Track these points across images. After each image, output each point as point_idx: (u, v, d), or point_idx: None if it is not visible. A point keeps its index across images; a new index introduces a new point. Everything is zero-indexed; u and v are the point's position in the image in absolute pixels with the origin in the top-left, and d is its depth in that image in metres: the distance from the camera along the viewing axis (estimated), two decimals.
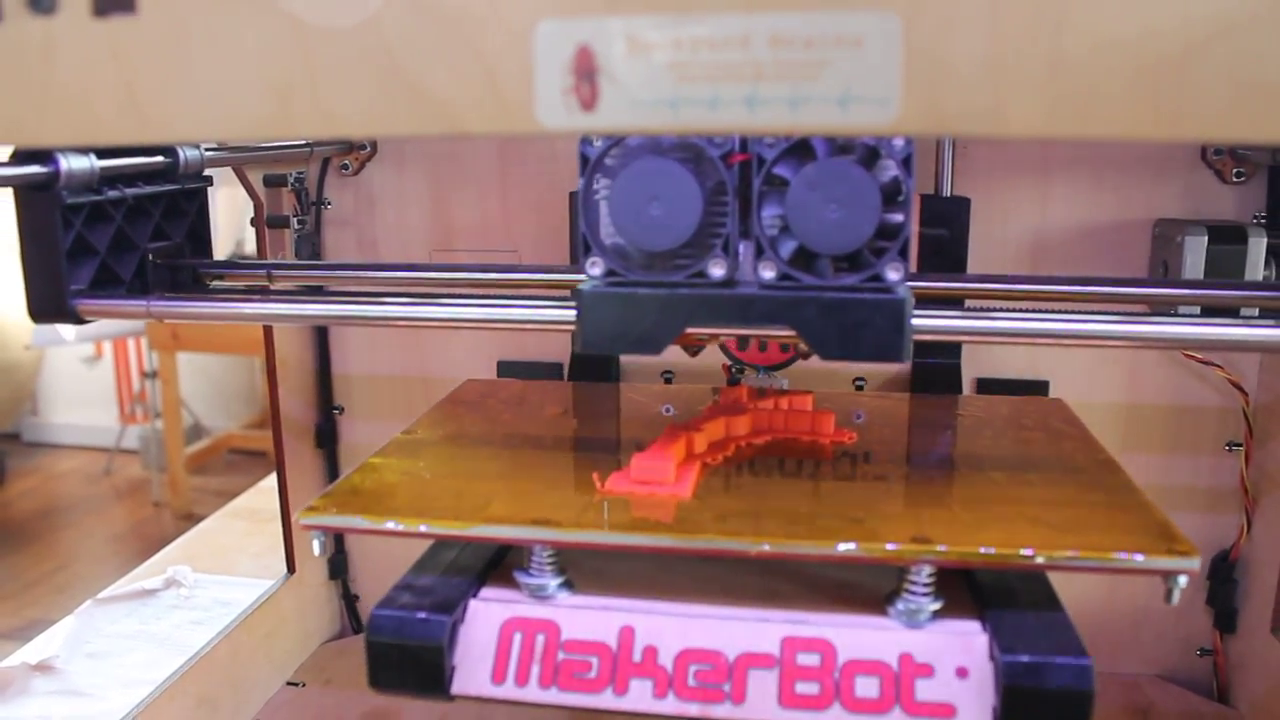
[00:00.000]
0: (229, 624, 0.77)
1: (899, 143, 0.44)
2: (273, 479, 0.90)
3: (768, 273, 0.45)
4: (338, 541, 0.91)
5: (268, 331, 0.80)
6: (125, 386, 3.58)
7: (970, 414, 0.66)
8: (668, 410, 0.69)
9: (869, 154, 0.44)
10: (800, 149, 0.45)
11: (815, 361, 0.74)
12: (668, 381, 0.80)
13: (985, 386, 0.79)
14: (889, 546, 0.45)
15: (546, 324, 0.49)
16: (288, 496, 0.83)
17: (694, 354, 0.55)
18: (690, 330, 0.45)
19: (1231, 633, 0.81)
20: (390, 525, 0.48)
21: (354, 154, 0.83)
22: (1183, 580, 0.44)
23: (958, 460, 0.58)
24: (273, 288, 0.63)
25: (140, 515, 3.05)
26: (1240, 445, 0.78)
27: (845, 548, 0.45)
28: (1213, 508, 0.80)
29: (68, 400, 3.66)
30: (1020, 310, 0.49)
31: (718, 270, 0.45)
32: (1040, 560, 0.44)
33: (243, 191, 0.78)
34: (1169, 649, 0.83)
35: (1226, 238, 0.70)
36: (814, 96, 0.32)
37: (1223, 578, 0.80)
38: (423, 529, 0.48)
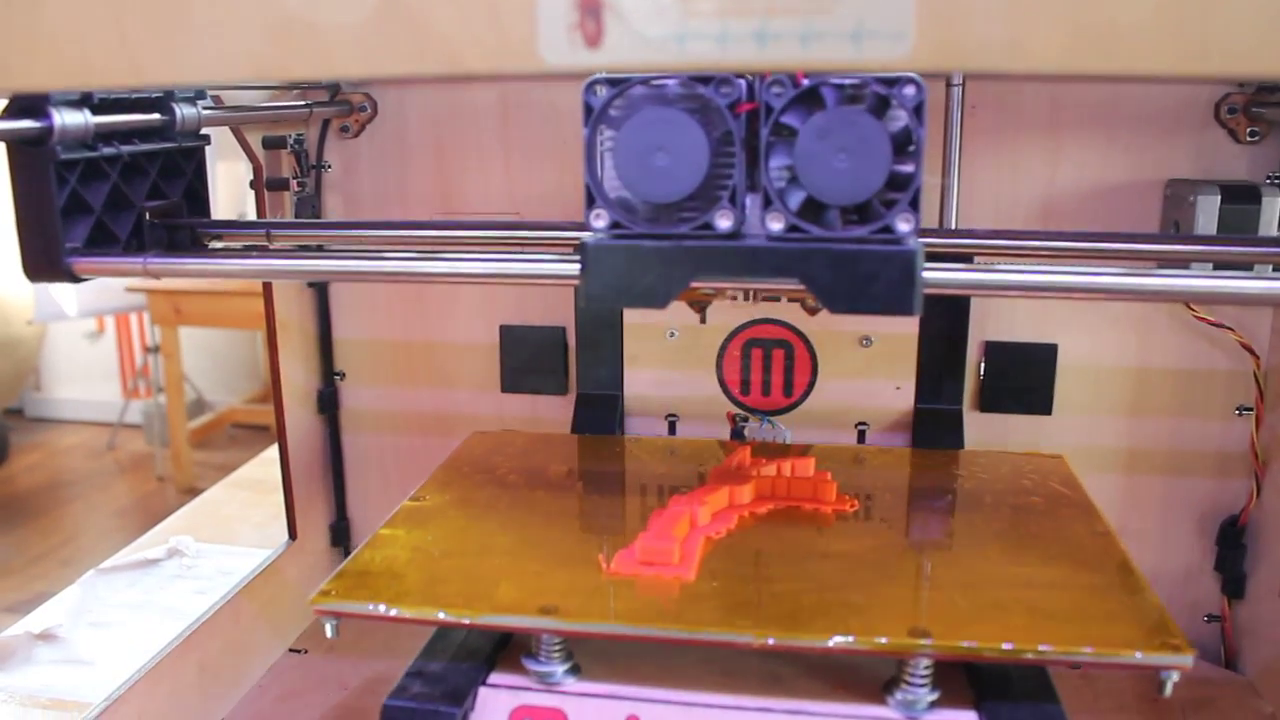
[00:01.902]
0: (231, 590, 0.77)
1: (909, 91, 0.43)
2: (273, 450, 0.90)
3: (775, 224, 0.44)
4: (340, 510, 0.91)
5: (268, 295, 0.79)
6: (128, 361, 3.57)
7: (970, 475, 0.67)
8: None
9: (879, 102, 0.43)
10: (809, 97, 0.44)
11: (817, 405, 0.77)
12: (672, 426, 0.80)
13: (993, 349, 0.79)
14: (883, 640, 0.46)
15: (549, 278, 0.48)
16: (289, 462, 0.83)
17: (700, 310, 0.54)
18: (696, 284, 0.45)
19: (1240, 598, 0.80)
20: (403, 613, 0.49)
21: (354, 116, 0.81)
22: (1175, 675, 0.46)
23: (957, 533, 0.59)
24: (272, 247, 0.62)
25: (144, 490, 3.06)
26: (1251, 409, 0.77)
27: (844, 641, 0.46)
28: (1222, 472, 0.79)
29: (70, 375, 3.66)
30: (1030, 266, 0.48)
31: (724, 222, 0.44)
32: (1032, 656, 0.45)
33: (243, 165, 0.77)
34: (1176, 615, 0.80)
35: (1240, 197, 0.69)
36: (826, 31, 0.31)
37: (1231, 543, 0.79)
38: (439, 615, 0.49)
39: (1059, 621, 0.47)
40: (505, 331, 0.84)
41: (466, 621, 0.49)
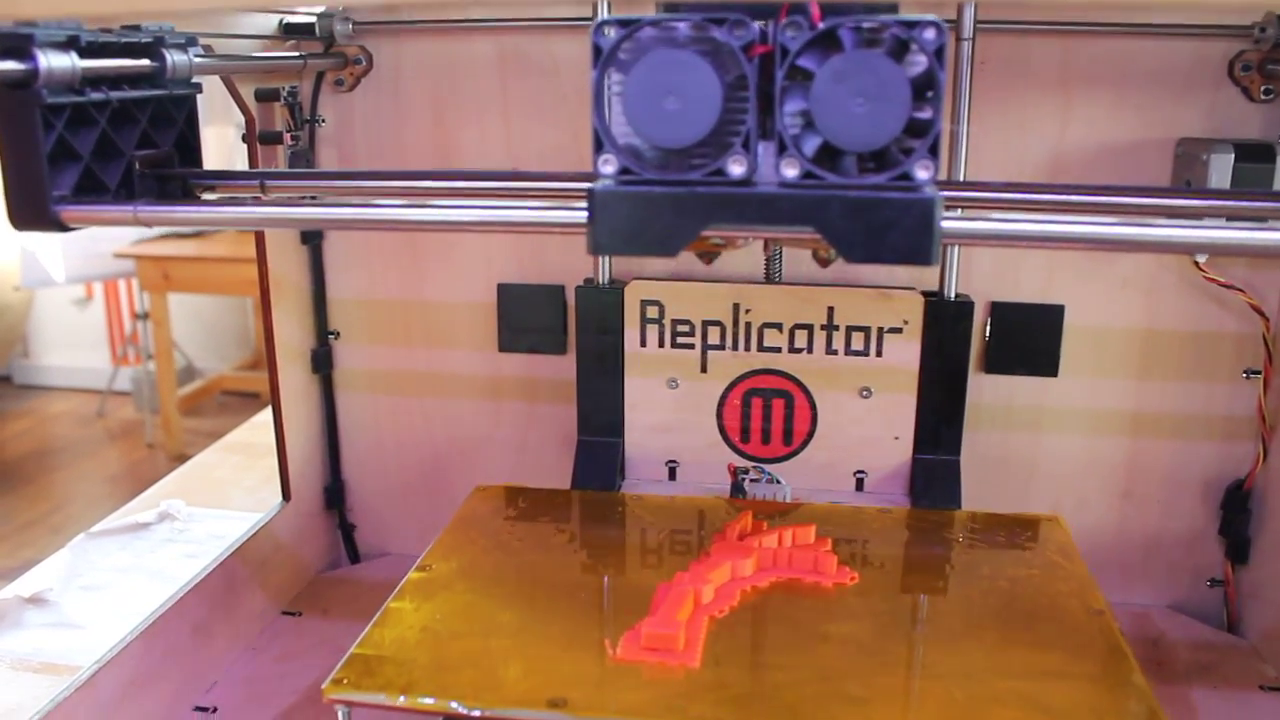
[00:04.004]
0: (224, 551, 0.76)
1: (929, 34, 0.42)
2: (266, 414, 0.88)
3: (790, 171, 0.43)
4: (334, 471, 0.90)
5: (261, 252, 0.78)
6: (117, 328, 3.55)
7: (968, 542, 0.67)
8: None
9: (898, 45, 0.42)
10: (826, 40, 0.42)
11: (817, 454, 0.78)
12: (672, 472, 0.80)
13: (999, 310, 0.78)
14: None
15: (555, 226, 0.47)
16: (282, 423, 0.82)
17: (709, 261, 0.53)
18: (708, 232, 0.43)
19: (1243, 563, 0.80)
20: (416, 703, 0.50)
21: (348, 68, 0.80)
22: None
23: (954, 612, 0.60)
24: (265, 199, 0.60)
25: (134, 457, 3.04)
26: (1259, 373, 0.76)
27: None
28: (1228, 436, 0.78)
29: (59, 342, 3.63)
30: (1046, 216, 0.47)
31: (737, 168, 0.43)
32: None
33: (231, 130, 0.75)
34: (1180, 579, 0.82)
35: (1254, 155, 0.68)
36: None
37: (1236, 507, 0.79)
38: (451, 705, 0.50)
39: (1053, 717, 0.49)
40: (503, 290, 0.83)
41: (477, 714, 0.50)
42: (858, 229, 0.42)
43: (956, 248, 0.74)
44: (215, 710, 0.70)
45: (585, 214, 0.43)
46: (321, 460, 0.88)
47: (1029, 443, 0.80)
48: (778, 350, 0.77)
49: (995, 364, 0.79)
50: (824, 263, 0.53)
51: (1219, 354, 0.77)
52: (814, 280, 0.77)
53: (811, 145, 0.43)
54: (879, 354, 0.75)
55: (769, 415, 0.78)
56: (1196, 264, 0.73)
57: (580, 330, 0.78)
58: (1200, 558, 0.81)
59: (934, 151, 0.42)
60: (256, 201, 0.56)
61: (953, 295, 0.75)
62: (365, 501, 0.91)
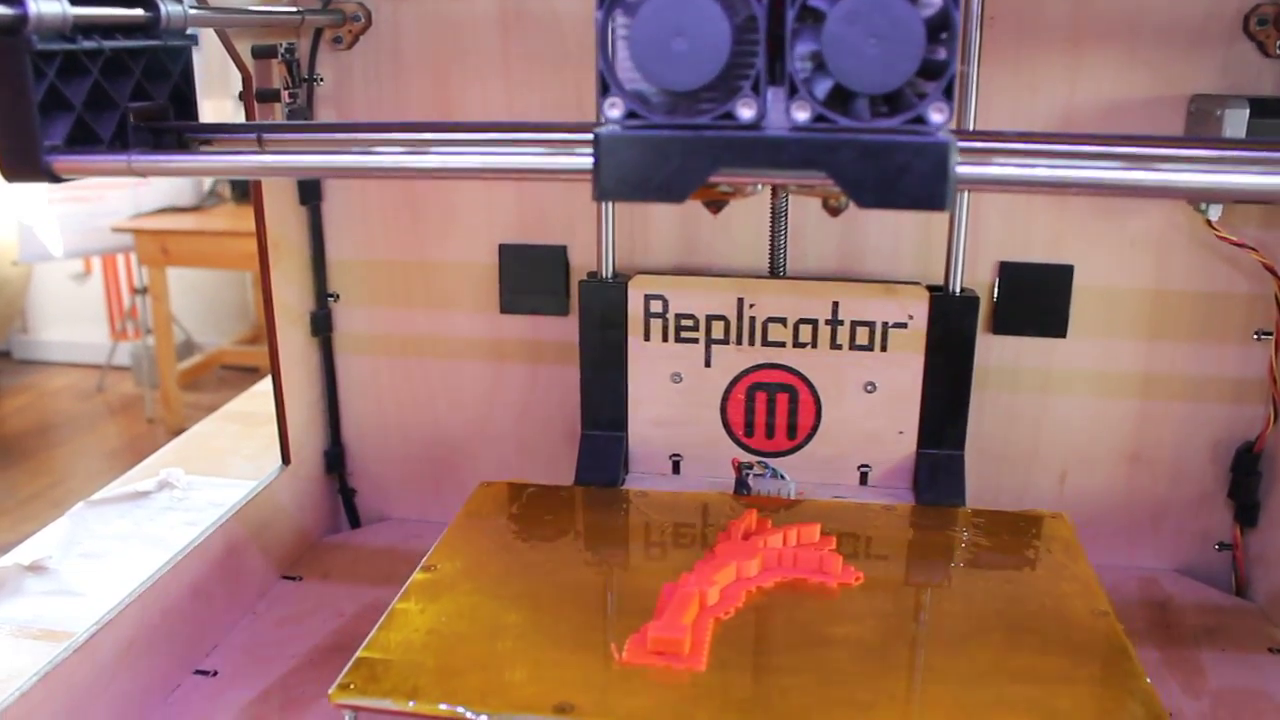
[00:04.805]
0: (223, 515, 0.75)
1: None
2: (264, 384, 0.88)
3: (801, 114, 0.42)
4: (334, 435, 0.89)
5: (259, 212, 0.77)
6: (115, 303, 3.53)
7: (973, 540, 0.67)
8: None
9: None
10: None
11: (821, 448, 0.77)
12: (676, 465, 0.80)
13: (1008, 270, 0.77)
14: None
15: (559, 172, 0.45)
16: (282, 386, 0.81)
17: (716, 210, 0.51)
18: (716, 178, 0.42)
19: (1252, 526, 0.79)
20: (424, 709, 0.50)
21: (347, 25, 0.78)
22: None
23: (960, 614, 0.59)
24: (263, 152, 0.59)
25: (134, 432, 3.04)
26: (1270, 334, 0.75)
27: None
28: (1238, 398, 0.77)
29: (58, 317, 3.62)
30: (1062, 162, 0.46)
31: (747, 111, 0.42)
32: None
33: (230, 103, 0.74)
34: (1188, 543, 0.81)
35: (1269, 111, 0.67)
36: None
37: (1246, 470, 0.78)
38: (459, 710, 0.50)
39: None
40: (504, 251, 0.82)
41: (484, 719, 0.50)
42: (870, 173, 0.41)
43: (962, 242, 0.73)
44: (215, 674, 0.70)
45: (590, 160, 0.42)
46: (321, 424, 0.88)
47: (1037, 404, 0.80)
48: (782, 344, 0.76)
49: (1003, 325, 0.78)
50: (834, 211, 0.52)
51: (1230, 315, 0.76)
52: (819, 274, 0.76)
53: (823, 88, 0.41)
54: (884, 348, 0.74)
55: (773, 409, 0.77)
56: (1208, 222, 0.72)
57: (584, 324, 0.77)
58: (1209, 521, 0.81)
59: (948, 94, 0.41)
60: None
61: (958, 290, 0.74)
62: (365, 466, 0.90)
